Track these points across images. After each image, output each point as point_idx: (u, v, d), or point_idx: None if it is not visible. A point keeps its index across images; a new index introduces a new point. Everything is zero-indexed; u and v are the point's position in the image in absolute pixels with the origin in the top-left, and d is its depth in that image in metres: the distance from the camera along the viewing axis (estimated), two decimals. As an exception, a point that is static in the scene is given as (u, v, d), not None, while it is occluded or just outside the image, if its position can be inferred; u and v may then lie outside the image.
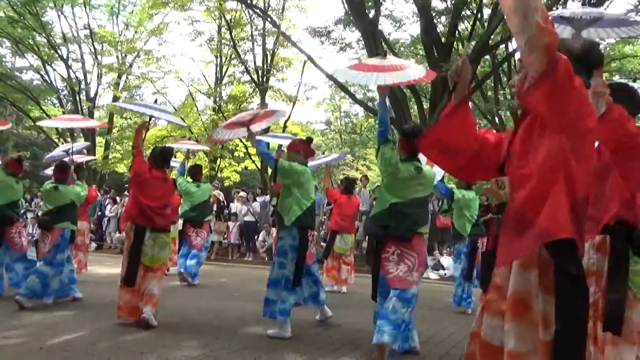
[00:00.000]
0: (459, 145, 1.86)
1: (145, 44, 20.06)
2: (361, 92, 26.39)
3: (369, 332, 4.00)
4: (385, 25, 17.45)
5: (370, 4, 11.63)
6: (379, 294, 3.60)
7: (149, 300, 4.29)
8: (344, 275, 7.04)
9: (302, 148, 4.45)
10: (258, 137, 4.80)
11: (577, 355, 1.46)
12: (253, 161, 17.76)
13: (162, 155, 4.73)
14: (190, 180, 7.07)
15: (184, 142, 6.49)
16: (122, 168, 19.34)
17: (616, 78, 18.36)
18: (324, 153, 26.67)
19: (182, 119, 18.32)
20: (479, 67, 13.02)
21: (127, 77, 20.78)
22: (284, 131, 16.51)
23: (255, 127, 4.76)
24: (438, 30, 12.29)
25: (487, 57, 13.81)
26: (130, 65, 20.24)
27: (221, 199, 12.20)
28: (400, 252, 3.51)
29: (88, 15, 20.23)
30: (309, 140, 4.62)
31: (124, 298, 4.35)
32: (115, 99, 20.54)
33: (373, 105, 22.84)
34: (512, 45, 14.41)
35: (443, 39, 11.82)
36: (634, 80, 16.96)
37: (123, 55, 20.10)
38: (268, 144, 4.75)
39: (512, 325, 1.53)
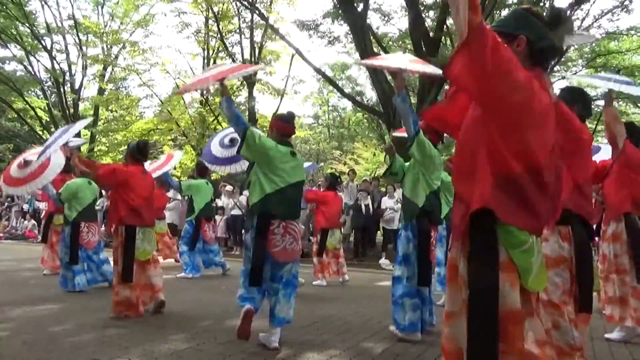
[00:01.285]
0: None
1: (131, 35, 19.85)
2: (349, 86, 26.40)
3: (356, 324, 4.01)
4: (373, 19, 17.44)
5: (358, -3, 11.61)
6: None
7: (157, 290, 4.64)
8: (335, 268, 7.09)
9: (275, 125, 3.77)
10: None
11: (489, 314, 1.49)
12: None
13: (140, 150, 4.75)
14: (197, 177, 7.76)
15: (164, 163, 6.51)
16: (107, 160, 19.13)
17: (602, 74, 18.59)
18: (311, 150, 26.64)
19: (168, 111, 18.27)
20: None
21: (112, 69, 20.55)
22: (271, 125, 16.47)
23: (231, 78, 4.33)
24: (426, 25, 12.30)
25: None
26: (116, 57, 19.99)
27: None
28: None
29: (72, 6, 20.07)
30: (287, 116, 3.86)
31: (122, 294, 4.37)
32: (101, 90, 20.29)
33: (361, 100, 22.91)
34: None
35: (431, 34, 11.83)
36: (618, 72, 17.15)
37: (108, 46, 19.85)
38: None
39: (447, 288, 1.71)
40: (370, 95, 23.65)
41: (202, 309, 4.95)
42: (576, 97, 2.78)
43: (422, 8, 12.12)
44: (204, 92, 18.02)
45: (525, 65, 1.61)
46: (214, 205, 7.90)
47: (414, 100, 12.72)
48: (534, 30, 1.66)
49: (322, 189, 7.62)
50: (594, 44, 16.45)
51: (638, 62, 17.39)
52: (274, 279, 3.60)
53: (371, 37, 12.21)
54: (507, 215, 1.53)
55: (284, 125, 3.78)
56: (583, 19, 13.96)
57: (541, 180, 1.56)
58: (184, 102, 18.65)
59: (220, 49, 18.09)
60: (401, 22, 14.63)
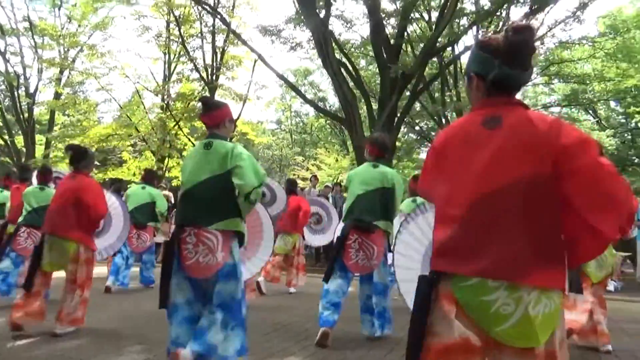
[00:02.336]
0: None
1: (89, 38, 19.30)
2: (312, 92, 26.50)
3: (317, 331, 3.99)
4: (336, 26, 17.62)
5: (321, 3, 11.66)
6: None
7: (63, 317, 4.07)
8: (290, 278, 7.05)
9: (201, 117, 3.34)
10: None
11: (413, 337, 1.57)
12: (203, 161, 17.42)
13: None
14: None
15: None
16: (63, 167, 18.51)
17: (555, 81, 19.32)
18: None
19: (128, 116, 17.85)
20: (426, 69, 13.31)
21: (69, 73, 19.91)
22: (233, 130, 16.31)
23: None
24: (387, 32, 12.47)
25: (435, 59, 14.17)
26: (73, 60, 19.40)
27: (170, 199, 11.89)
28: (362, 240, 4.02)
29: (28, 7, 19.42)
30: (201, 103, 3.36)
31: (21, 299, 4.11)
32: (57, 95, 19.64)
33: (324, 105, 23.03)
34: (458, 48, 14.91)
35: (392, 41, 12.00)
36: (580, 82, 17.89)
37: (65, 49, 19.25)
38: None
39: None
40: (333, 101, 23.84)
41: (159, 320, 4.81)
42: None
43: (383, 16, 12.28)
44: (165, 97, 17.74)
45: (483, 98, 1.67)
46: (158, 211, 7.13)
47: (375, 106, 12.86)
48: (481, 64, 1.67)
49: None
50: (548, 53, 17.09)
51: (589, 71, 18.16)
52: (205, 302, 2.95)
53: (333, 44, 12.29)
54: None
55: (201, 117, 3.31)
56: (538, 28, 14.46)
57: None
58: (144, 107, 18.27)
59: (182, 53, 17.82)
60: (363, 29, 14.82)
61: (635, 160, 21.24)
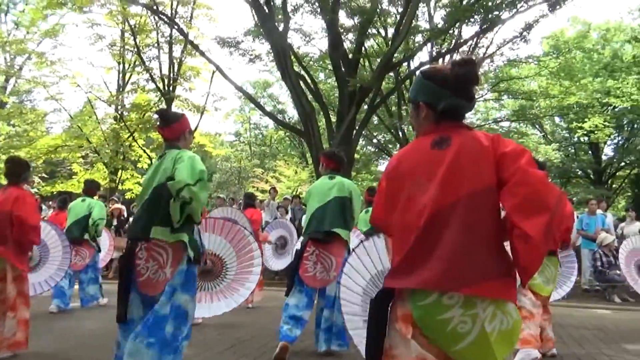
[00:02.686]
0: None
1: (38, 45, 18.61)
2: (271, 104, 26.52)
3: (274, 346, 3.97)
4: (294, 39, 17.73)
5: (280, 17, 11.75)
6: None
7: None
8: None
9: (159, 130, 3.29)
10: None
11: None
12: (158, 172, 17.03)
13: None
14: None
15: None
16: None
17: (505, 97, 20.14)
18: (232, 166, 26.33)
19: (79, 127, 17.28)
20: (383, 83, 13.61)
21: (16, 81, 19.11)
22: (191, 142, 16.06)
23: None
24: (345, 46, 12.69)
25: (391, 73, 14.51)
26: (20, 68, 18.66)
27: (123, 213, 11.58)
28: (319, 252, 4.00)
29: (-30, 12, 18.41)
30: (157, 114, 3.36)
31: None
32: (2, 104, 18.80)
33: (283, 118, 23.08)
34: (414, 63, 15.33)
35: (350, 55, 12.22)
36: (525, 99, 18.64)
37: (12, 56, 18.50)
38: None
39: None
40: (292, 113, 23.93)
41: (107, 339, 4.67)
42: None
43: (341, 30, 12.50)
44: (119, 107, 17.30)
45: (432, 124, 1.76)
46: (92, 220, 6.51)
47: (333, 118, 13.02)
48: (430, 94, 1.76)
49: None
50: (497, 70, 17.83)
51: (535, 88, 19.04)
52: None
53: (292, 57, 12.38)
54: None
55: (158, 129, 3.24)
56: (487, 47, 15.10)
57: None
58: (97, 118, 17.74)
59: (137, 63, 17.47)
60: (322, 42, 15.00)
61: (579, 173, 22.38)
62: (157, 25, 16.23)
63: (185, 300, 2.83)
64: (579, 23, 19.93)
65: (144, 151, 16.93)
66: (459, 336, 1.53)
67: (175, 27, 14.42)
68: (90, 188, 7.02)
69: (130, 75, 18.31)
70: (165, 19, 14.55)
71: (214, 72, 15.89)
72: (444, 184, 1.62)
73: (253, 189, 21.04)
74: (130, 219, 11.33)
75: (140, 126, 16.68)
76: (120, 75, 18.39)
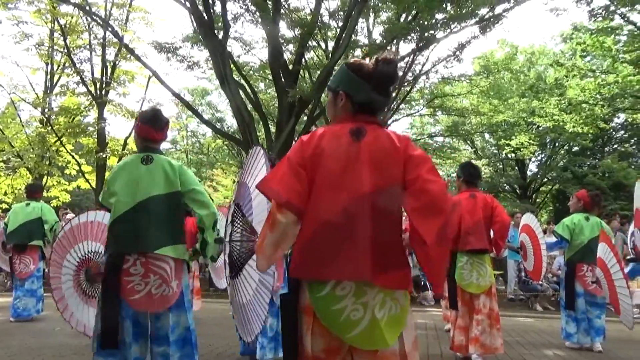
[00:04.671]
0: None
1: (-45, 41, 17.31)
2: (209, 112, 26.07)
3: (209, 358, 3.85)
4: (235, 47, 17.56)
5: (219, 24, 11.60)
6: None
7: None
8: None
9: (137, 128, 3.05)
10: None
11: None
12: (87, 180, 16.24)
13: None
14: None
15: None
16: None
17: (439, 113, 20.95)
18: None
19: (0, 129, 16.18)
20: (322, 95, 13.75)
21: None
22: (124, 148, 15.46)
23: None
24: (286, 57, 12.72)
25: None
26: None
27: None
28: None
29: None
30: (148, 114, 3.07)
31: None
32: None
33: (221, 126, 22.73)
34: (353, 77, 15.61)
35: (290, 66, 12.26)
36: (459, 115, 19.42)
37: None
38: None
39: None
40: (231, 122, 23.62)
41: (32, 355, 4.36)
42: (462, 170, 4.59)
43: (282, 41, 12.52)
44: (46, 110, 16.36)
45: (348, 115, 1.85)
46: (48, 226, 6.10)
47: (273, 129, 12.97)
48: (351, 85, 1.84)
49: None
50: (432, 87, 18.54)
51: (467, 105, 19.96)
52: (153, 338, 2.71)
53: (232, 65, 12.25)
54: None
55: (145, 128, 2.93)
56: (423, 64, 15.69)
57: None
58: (20, 120, 16.68)
59: (67, 64, 16.62)
60: (262, 52, 14.97)
61: (506, 187, 23.62)
62: (89, 26, 15.53)
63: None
64: (507, 46, 21.16)
65: (73, 157, 16.07)
66: (353, 323, 1.65)
67: (110, 29, 13.86)
68: (35, 191, 6.60)
69: (59, 77, 17.40)
70: (99, 21, 13.95)
71: (150, 78, 15.42)
72: (354, 179, 1.70)
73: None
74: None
75: (69, 130, 15.82)
76: (48, 76, 17.43)
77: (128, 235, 2.67)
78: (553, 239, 5.53)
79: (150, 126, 2.90)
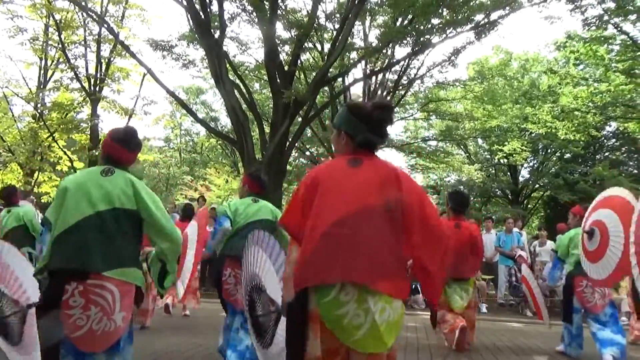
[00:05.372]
0: None
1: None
2: (204, 111, 26.01)
3: (199, 358, 3.85)
4: (230, 47, 17.56)
5: (216, 24, 11.58)
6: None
7: None
8: (184, 301, 6.80)
9: (104, 145, 2.78)
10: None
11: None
12: (79, 176, 16.11)
13: None
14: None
15: None
16: None
17: (433, 117, 21.03)
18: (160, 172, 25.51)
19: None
20: (318, 97, 13.77)
21: None
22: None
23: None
24: (281, 58, 12.73)
25: (326, 88, 14.73)
26: None
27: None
28: (236, 273, 3.56)
29: None
30: (121, 134, 2.68)
31: None
32: None
33: (215, 126, 22.67)
34: (348, 79, 15.64)
35: (286, 67, 12.26)
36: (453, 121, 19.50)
37: None
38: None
39: None
40: (225, 121, 23.58)
41: None
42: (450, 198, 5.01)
43: (278, 42, 12.52)
44: (38, 105, 16.25)
45: (349, 150, 2.09)
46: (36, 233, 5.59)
47: (267, 129, 12.97)
48: (351, 126, 2.09)
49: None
50: (426, 91, 18.61)
51: (461, 110, 20.06)
52: None
53: (227, 65, 12.24)
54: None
55: (116, 147, 2.62)
56: (418, 68, 15.76)
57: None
58: (12, 115, 16.55)
59: (61, 60, 16.51)
60: (258, 52, 14.97)
61: (498, 192, 23.74)
62: (84, 22, 15.48)
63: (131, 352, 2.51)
64: (501, 52, 21.29)
65: (65, 153, 15.97)
66: (355, 328, 1.79)
67: (105, 25, 13.80)
68: (13, 194, 5.95)
69: (53, 72, 17.28)
70: (95, 17, 13.89)
71: (144, 75, 15.36)
72: (356, 193, 1.91)
73: (181, 197, 20.45)
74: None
75: (61, 126, 15.73)
76: (42, 71, 17.31)
77: (68, 253, 2.33)
78: (548, 245, 5.62)
79: (126, 147, 2.61)
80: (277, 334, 2.54)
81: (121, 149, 2.60)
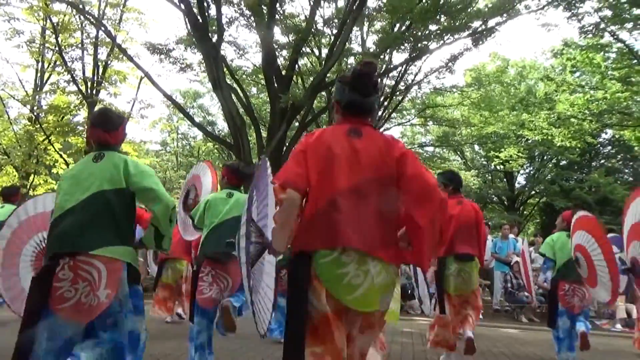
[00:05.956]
0: None
1: (-56, 35, 17.11)
2: (201, 115, 25.99)
3: None
4: (228, 51, 17.57)
5: (214, 28, 11.59)
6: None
7: None
8: (182, 306, 6.70)
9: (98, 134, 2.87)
10: None
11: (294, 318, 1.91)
12: (75, 179, 16.05)
13: None
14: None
15: None
16: None
17: (430, 123, 21.08)
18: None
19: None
20: (315, 102, 13.78)
21: None
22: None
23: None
24: (279, 63, 12.74)
25: (323, 93, 14.74)
26: None
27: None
28: (215, 273, 3.57)
29: None
30: (95, 116, 2.90)
31: None
32: None
33: (212, 130, 22.64)
34: (345, 85, 15.68)
35: (284, 72, 12.28)
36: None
37: None
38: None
39: None
40: (222, 126, 23.56)
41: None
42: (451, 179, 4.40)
43: (275, 46, 12.54)
44: (35, 108, 16.20)
45: (340, 118, 2.19)
46: None
47: (264, 134, 12.96)
48: (339, 93, 2.17)
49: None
50: (424, 97, 18.65)
51: (458, 116, 20.10)
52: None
53: (225, 69, 12.24)
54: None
55: (96, 132, 2.75)
56: (416, 74, 15.79)
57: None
58: (9, 117, 16.49)
59: (58, 63, 16.47)
60: (255, 57, 14.98)
61: (494, 199, 23.77)
62: (82, 25, 15.43)
63: (135, 321, 2.64)
64: (498, 59, 21.38)
65: (61, 156, 15.91)
66: (353, 287, 1.91)
67: (102, 28, 13.80)
68: (13, 194, 6.34)
69: (50, 75, 17.22)
70: (92, 20, 13.88)
71: (141, 79, 15.31)
72: (358, 165, 2.01)
73: (178, 201, 20.38)
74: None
75: (57, 129, 15.66)
76: (38, 74, 17.26)
77: (60, 235, 2.48)
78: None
79: (102, 129, 2.70)
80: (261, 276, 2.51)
81: (99, 131, 2.70)
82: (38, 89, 16.85)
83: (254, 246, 2.22)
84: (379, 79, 2.23)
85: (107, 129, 2.70)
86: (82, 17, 14.65)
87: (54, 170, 16.58)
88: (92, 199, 2.51)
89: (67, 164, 15.73)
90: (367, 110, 2.16)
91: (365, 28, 15.51)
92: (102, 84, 15.82)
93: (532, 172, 22.78)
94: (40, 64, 17.15)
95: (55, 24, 15.22)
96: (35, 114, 16.02)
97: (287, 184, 1.96)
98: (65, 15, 15.39)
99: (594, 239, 4.51)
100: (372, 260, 1.92)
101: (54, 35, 15.29)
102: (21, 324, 2.38)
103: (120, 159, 2.62)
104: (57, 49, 15.48)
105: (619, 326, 8.41)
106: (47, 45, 16.30)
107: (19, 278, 3.23)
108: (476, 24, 11.67)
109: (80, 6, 13.23)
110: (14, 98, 16.57)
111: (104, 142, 2.70)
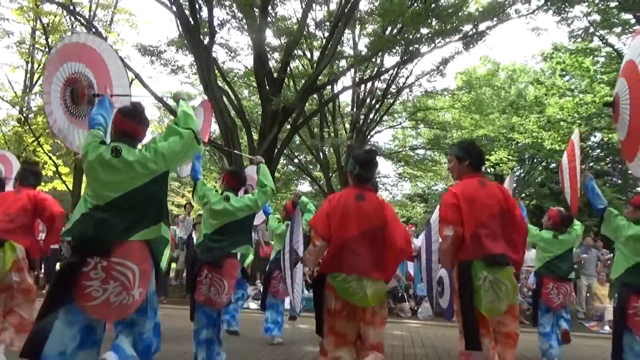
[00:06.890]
0: None
1: None
2: (192, 117, 25.84)
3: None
4: (220, 53, 17.52)
5: (205, 30, 11.57)
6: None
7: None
8: None
9: (114, 121, 2.88)
10: None
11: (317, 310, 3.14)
12: (63, 182, 15.95)
13: None
14: None
15: None
16: None
17: (421, 126, 21.15)
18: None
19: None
20: (306, 105, 13.79)
21: None
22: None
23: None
24: (271, 65, 12.74)
25: (315, 95, 14.75)
26: None
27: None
28: (212, 276, 3.85)
29: None
30: (129, 109, 2.91)
31: None
32: None
33: (204, 132, 22.52)
34: (337, 87, 15.70)
35: (275, 74, 12.27)
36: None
37: None
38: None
39: None
40: (214, 128, 23.44)
41: None
42: (468, 151, 3.27)
43: (267, 49, 12.54)
44: (24, 109, 16.07)
45: (351, 183, 3.26)
46: None
47: (255, 136, 12.95)
48: (352, 167, 3.27)
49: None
50: (415, 100, 18.72)
51: (449, 119, 20.19)
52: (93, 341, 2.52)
53: (216, 71, 12.22)
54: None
55: (122, 121, 2.78)
56: (407, 77, 15.85)
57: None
58: (-3, 119, 16.33)
59: (48, 64, 16.35)
60: (247, 59, 14.96)
61: (485, 202, 23.88)
62: (72, 26, 15.35)
63: (157, 315, 2.76)
64: (489, 62, 21.50)
65: (50, 157, 15.78)
66: (355, 294, 3.00)
67: (93, 30, 13.70)
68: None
69: (40, 76, 17.08)
70: (83, 21, 13.79)
71: (132, 80, 15.22)
72: (361, 220, 3.10)
73: (168, 203, 20.28)
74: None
75: (47, 131, 15.53)
76: (28, 75, 17.13)
77: (101, 231, 2.50)
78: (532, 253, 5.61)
79: (132, 121, 2.78)
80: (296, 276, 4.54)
81: (130, 122, 2.76)
82: (27, 90, 16.72)
83: (293, 259, 4.21)
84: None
85: (138, 120, 2.81)
86: (72, 18, 14.57)
87: (43, 172, 16.41)
88: (127, 196, 2.58)
89: (56, 166, 15.60)
90: (369, 180, 3.27)
91: (357, 31, 15.56)
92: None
93: (522, 175, 22.93)
94: (30, 65, 17.03)
95: (45, 25, 15.12)
96: (24, 115, 15.89)
97: (322, 236, 3.09)
98: (55, 16, 15.30)
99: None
100: (367, 280, 3.01)
101: (44, 36, 15.19)
102: (37, 315, 2.43)
103: (143, 148, 2.72)
104: (47, 49, 15.37)
105: (607, 328, 8.48)
106: (37, 46, 16.19)
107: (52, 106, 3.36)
108: (467, 27, 11.75)
109: (71, 7, 13.14)
110: (2, 99, 16.43)
111: (130, 132, 2.75)
